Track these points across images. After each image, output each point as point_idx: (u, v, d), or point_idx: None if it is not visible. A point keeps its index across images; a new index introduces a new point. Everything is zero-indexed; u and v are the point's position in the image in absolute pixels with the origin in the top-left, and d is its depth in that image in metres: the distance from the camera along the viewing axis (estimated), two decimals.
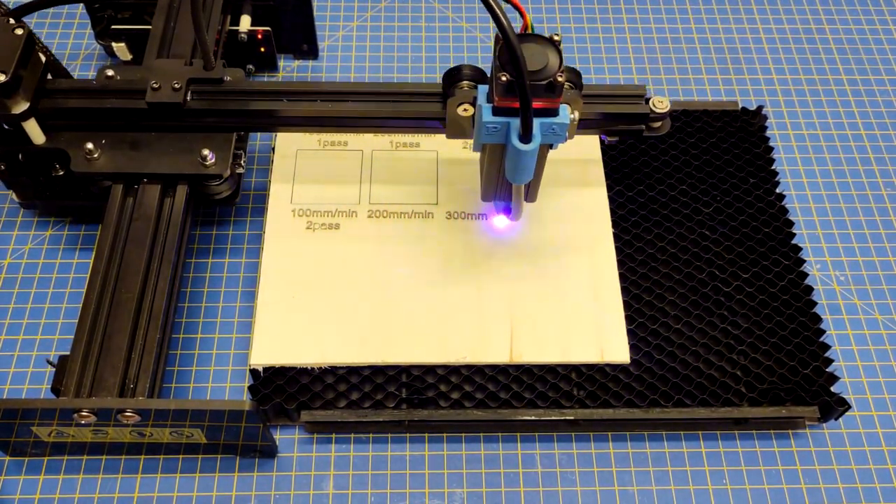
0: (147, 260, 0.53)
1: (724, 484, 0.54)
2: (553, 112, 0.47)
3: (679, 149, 0.65)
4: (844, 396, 0.55)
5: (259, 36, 0.68)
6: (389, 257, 0.58)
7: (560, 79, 0.45)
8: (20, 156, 0.57)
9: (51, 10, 0.75)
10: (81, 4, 0.65)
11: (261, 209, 0.63)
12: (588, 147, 0.64)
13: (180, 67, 0.56)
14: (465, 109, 0.52)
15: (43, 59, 0.55)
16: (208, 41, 0.54)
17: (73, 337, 0.51)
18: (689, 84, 0.73)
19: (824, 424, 0.56)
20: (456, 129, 0.54)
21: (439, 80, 0.54)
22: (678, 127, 0.66)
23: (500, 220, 0.60)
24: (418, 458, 0.54)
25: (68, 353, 0.50)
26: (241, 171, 0.58)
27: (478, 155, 0.60)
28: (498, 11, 0.43)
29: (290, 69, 0.72)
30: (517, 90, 0.44)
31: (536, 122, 0.46)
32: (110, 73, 0.56)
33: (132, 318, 0.51)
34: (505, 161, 0.49)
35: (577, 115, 0.50)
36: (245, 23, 0.67)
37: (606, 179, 0.62)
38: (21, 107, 0.52)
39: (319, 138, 0.63)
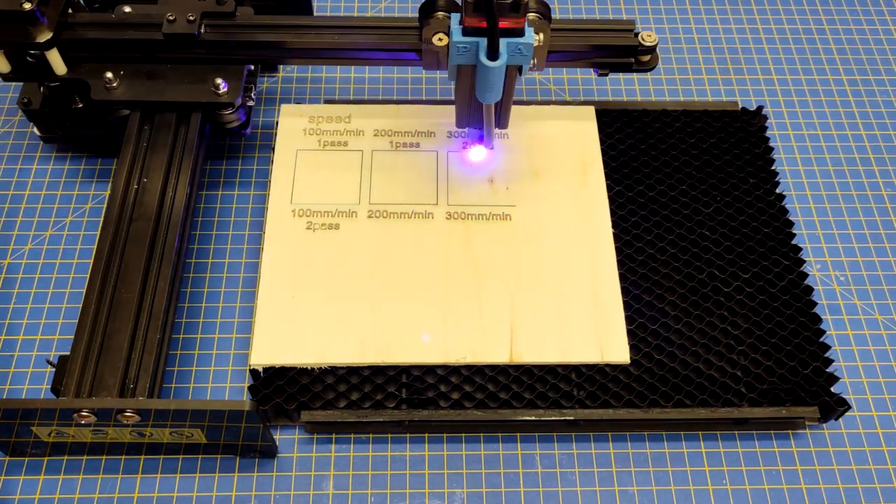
0: (147, 259, 0.53)
1: (724, 484, 0.54)
2: (519, 32, 0.50)
3: (679, 149, 0.65)
4: (844, 396, 0.55)
5: None
6: (389, 257, 0.58)
7: None
8: (42, 89, 0.60)
9: None
10: (81, 1, 0.65)
11: (260, 219, 0.63)
12: (588, 147, 0.64)
13: (194, 2, 0.58)
14: (439, 38, 0.54)
15: None
16: None
17: (73, 337, 0.51)
18: (689, 84, 0.73)
19: (824, 424, 0.56)
20: (431, 59, 0.56)
21: (435, 87, 0.55)
22: (678, 127, 0.66)
23: (477, 151, 0.62)
24: (418, 458, 0.54)
25: (68, 353, 0.50)
26: (250, 103, 0.62)
27: (473, 154, 0.61)
28: None
29: (290, 69, 0.72)
30: (484, 8, 0.47)
31: (503, 42, 0.49)
32: (127, 9, 0.59)
33: (132, 318, 0.51)
34: (476, 81, 0.52)
35: (542, 37, 0.53)
36: None
37: (606, 180, 0.62)
38: (45, 36, 0.55)
39: (319, 139, 0.63)
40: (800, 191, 0.67)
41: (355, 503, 0.53)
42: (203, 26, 0.57)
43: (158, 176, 0.57)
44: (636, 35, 0.57)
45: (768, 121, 0.68)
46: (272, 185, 0.61)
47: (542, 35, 0.53)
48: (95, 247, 0.54)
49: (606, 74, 0.60)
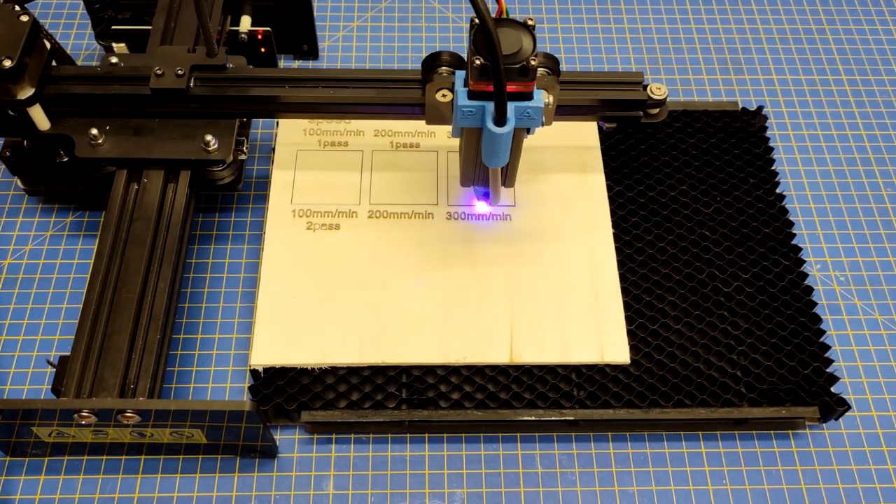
0: (147, 260, 0.53)
1: (724, 484, 0.54)
2: (527, 96, 0.48)
3: (679, 149, 0.65)
4: (844, 397, 0.55)
5: (259, 36, 0.68)
6: (389, 257, 0.58)
7: (533, 62, 0.46)
8: (25, 142, 0.58)
9: (51, 10, 0.75)
10: (81, 4, 0.65)
11: (260, 220, 0.63)
12: (588, 147, 0.64)
13: (184, 54, 0.56)
14: (443, 95, 0.52)
15: (48, 45, 0.55)
16: (211, 28, 0.55)
17: (73, 337, 0.51)
18: (689, 84, 0.73)
19: (824, 425, 0.56)
20: (435, 115, 0.54)
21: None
22: (678, 127, 0.66)
23: (481, 206, 0.61)
24: (418, 458, 0.54)
25: (68, 353, 0.50)
26: (243, 157, 0.59)
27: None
28: None
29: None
30: (491, 73, 0.45)
31: (511, 106, 0.47)
32: (114, 60, 0.57)
33: (132, 318, 0.51)
34: (481, 145, 0.50)
35: (552, 99, 0.51)
36: (245, 23, 0.67)
37: (606, 180, 0.62)
38: (26, 92, 0.53)
39: (320, 139, 0.63)
40: (800, 191, 0.67)
41: (355, 503, 0.53)
42: (192, 80, 0.55)
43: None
44: (645, 88, 0.56)
45: (768, 121, 0.68)
46: (272, 185, 0.61)
47: (552, 98, 0.51)
48: (95, 247, 0.54)
49: (614, 128, 0.60)
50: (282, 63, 0.73)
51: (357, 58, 0.73)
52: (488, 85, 0.46)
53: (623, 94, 0.56)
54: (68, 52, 0.72)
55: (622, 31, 0.76)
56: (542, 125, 0.50)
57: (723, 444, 0.55)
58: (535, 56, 0.46)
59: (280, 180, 0.61)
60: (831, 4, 0.79)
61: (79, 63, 0.72)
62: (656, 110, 0.57)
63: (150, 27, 0.62)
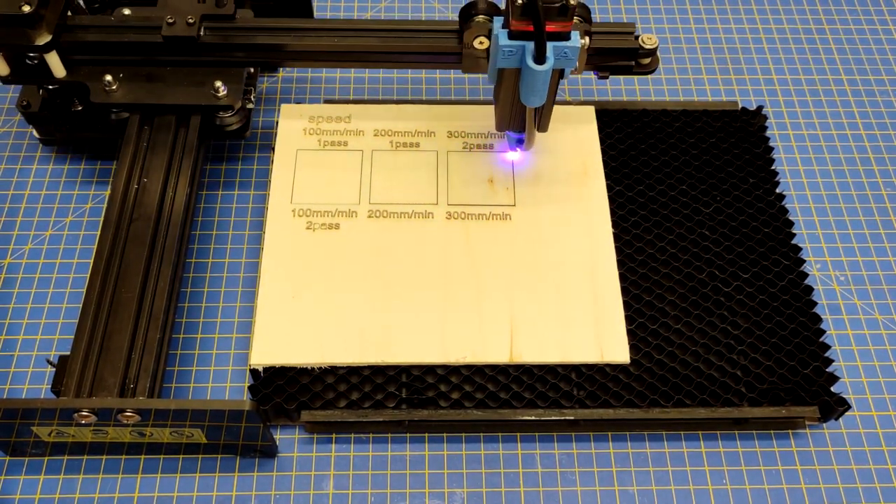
0: (147, 259, 0.53)
1: (724, 484, 0.54)
2: (565, 36, 0.50)
3: (679, 149, 0.65)
4: (844, 396, 0.55)
5: None
6: (389, 257, 0.58)
7: (572, 2, 0.49)
8: (42, 91, 0.60)
9: None
10: (81, 3, 0.65)
11: (260, 219, 0.63)
12: (588, 147, 0.64)
13: (194, 4, 0.58)
14: (480, 42, 0.54)
15: None
16: None
17: (73, 337, 0.51)
18: (689, 84, 0.73)
19: (824, 424, 0.56)
20: (471, 63, 0.56)
21: (435, 87, 0.55)
22: (678, 127, 0.66)
23: (513, 154, 0.63)
24: (418, 458, 0.54)
25: (68, 353, 0.50)
26: (250, 105, 0.61)
27: (473, 156, 0.62)
28: None
29: (290, 69, 0.72)
30: (531, 12, 0.48)
31: (549, 45, 0.50)
32: (127, 11, 0.59)
33: (132, 318, 0.51)
34: (520, 85, 0.52)
35: (587, 40, 0.54)
36: None
37: (606, 180, 0.62)
38: (44, 38, 0.54)
39: (319, 138, 0.63)
40: (800, 191, 0.67)
41: (355, 503, 0.53)
42: (202, 29, 0.57)
43: (158, 177, 0.57)
44: (636, 38, 0.57)
45: (768, 121, 0.68)
46: (272, 185, 0.61)
47: (587, 39, 0.54)
48: (95, 247, 0.54)
49: (606, 77, 0.60)
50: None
51: None
52: (528, 25, 0.49)
53: (615, 43, 0.57)
54: None
55: None
56: (576, 69, 0.52)
57: (723, 444, 0.55)
58: None
59: (280, 180, 0.61)
60: (831, 4, 0.79)
61: None
62: (648, 60, 0.58)
63: None
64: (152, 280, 0.53)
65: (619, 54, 0.58)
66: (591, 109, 0.66)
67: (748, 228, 0.61)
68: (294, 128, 0.64)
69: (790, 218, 0.62)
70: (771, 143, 0.66)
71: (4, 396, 0.56)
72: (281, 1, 0.67)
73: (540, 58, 0.50)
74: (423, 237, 0.59)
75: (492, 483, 0.53)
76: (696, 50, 0.75)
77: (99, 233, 0.55)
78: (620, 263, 0.59)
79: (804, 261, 0.60)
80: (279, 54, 0.59)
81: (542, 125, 0.58)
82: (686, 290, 0.58)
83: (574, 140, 0.64)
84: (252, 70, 0.63)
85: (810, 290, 0.58)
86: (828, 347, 0.56)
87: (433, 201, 0.61)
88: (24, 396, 0.56)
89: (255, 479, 0.53)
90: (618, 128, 0.66)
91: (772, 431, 0.56)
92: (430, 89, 0.71)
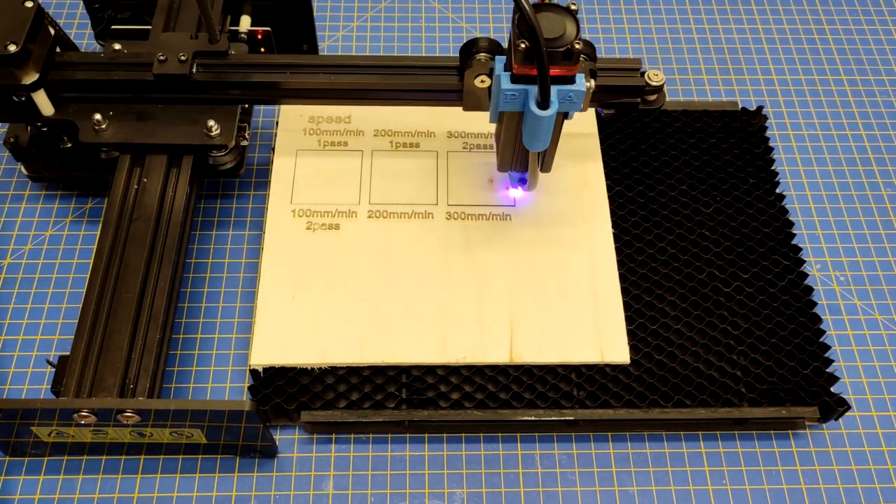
0: (147, 260, 0.53)
1: (724, 484, 0.54)
2: (570, 80, 0.49)
3: (679, 149, 0.65)
4: (844, 397, 0.55)
5: (259, 36, 0.68)
6: (389, 257, 0.58)
7: (577, 46, 0.47)
8: (30, 128, 0.59)
9: (51, 9, 0.75)
10: (81, 4, 0.65)
11: (260, 219, 0.63)
12: (588, 147, 0.64)
13: (186, 41, 0.57)
14: (482, 80, 0.53)
15: (52, 32, 0.56)
16: (212, 17, 0.55)
17: (73, 337, 0.51)
18: (689, 84, 0.73)
19: (824, 425, 0.56)
20: (472, 101, 0.55)
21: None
22: (678, 127, 0.66)
23: (516, 192, 0.61)
24: (418, 458, 0.54)
25: (68, 353, 0.50)
26: (244, 143, 0.60)
27: (473, 156, 0.62)
28: None
29: None
30: (535, 57, 0.46)
31: (554, 89, 0.48)
32: (117, 46, 0.57)
33: (132, 318, 0.51)
34: (522, 129, 0.50)
35: (592, 83, 0.52)
36: (245, 23, 0.67)
37: (606, 180, 0.62)
38: (31, 77, 0.53)
39: (319, 139, 0.63)
40: (800, 191, 0.67)
41: (355, 503, 0.53)
42: (195, 66, 0.56)
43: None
44: (643, 74, 0.56)
45: (768, 121, 0.68)
46: (272, 185, 0.61)
47: (592, 82, 0.52)
48: (95, 247, 0.54)
49: (612, 114, 0.60)
50: None
51: None
52: (532, 69, 0.47)
53: (620, 81, 0.56)
54: None
55: (622, 31, 0.76)
56: (582, 110, 0.51)
57: (723, 444, 0.55)
58: (579, 41, 0.47)
59: (280, 180, 0.61)
60: (831, 4, 0.79)
61: None
62: (654, 96, 0.57)
63: (149, 27, 0.62)
64: (152, 280, 0.53)
65: (625, 92, 0.57)
66: (591, 110, 0.66)
67: (748, 228, 0.61)
68: (294, 128, 0.64)
69: (790, 218, 0.62)
70: (771, 143, 0.66)
71: (4, 396, 0.56)
72: (281, 2, 0.67)
73: (544, 103, 0.48)
74: (423, 237, 0.59)
75: (492, 483, 0.53)
76: (696, 50, 0.75)
77: (99, 233, 0.55)
78: (620, 263, 0.59)
79: (804, 261, 0.60)
80: (274, 92, 0.57)
81: (546, 166, 0.56)
82: (686, 290, 0.58)
83: (574, 140, 0.64)
84: (247, 105, 0.61)
85: (810, 290, 0.58)
86: (828, 348, 0.56)
87: (433, 201, 0.61)
88: (23, 396, 0.56)
89: (255, 479, 0.53)
90: (618, 128, 0.66)
91: (772, 432, 0.56)
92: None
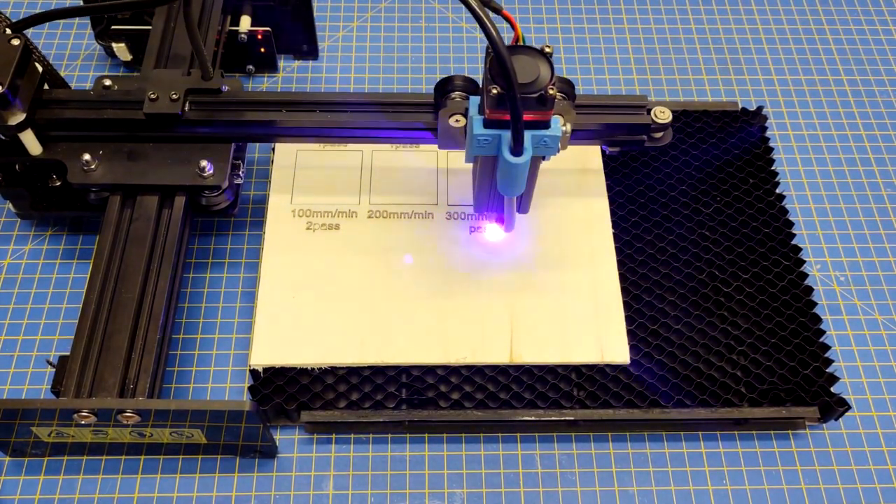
0: (147, 260, 0.53)
1: (724, 484, 0.54)
2: (545, 124, 0.47)
3: (679, 149, 0.65)
4: (844, 397, 0.55)
5: (259, 36, 0.68)
6: (389, 257, 0.58)
7: (551, 91, 0.45)
8: (17, 167, 0.56)
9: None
10: (81, 4, 0.65)
11: (260, 219, 0.63)
12: (587, 147, 0.64)
13: (178, 77, 0.55)
14: (456, 120, 0.52)
15: (40, 69, 0.54)
16: (205, 52, 0.54)
17: (73, 337, 0.51)
18: (689, 84, 0.73)
19: (824, 425, 0.56)
20: (448, 140, 0.53)
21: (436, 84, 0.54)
22: (678, 127, 0.66)
23: (494, 232, 0.59)
24: (418, 458, 0.54)
25: (68, 353, 0.50)
26: (239, 181, 0.58)
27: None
28: (487, 23, 0.42)
29: (290, 69, 0.72)
30: (508, 103, 0.44)
31: (528, 135, 0.46)
32: (107, 82, 0.55)
33: (132, 318, 0.51)
34: (497, 174, 0.49)
35: (569, 126, 0.50)
36: (245, 23, 0.67)
37: (606, 180, 0.62)
38: (17, 118, 0.52)
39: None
40: (800, 191, 0.67)
41: (355, 503, 0.53)
42: (187, 104, 0.54)
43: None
44: (649, 112, 0.55)
45: (768, 121, 0.68)
46: (272, 185, 0.61)
47: (569, 126, 0.50)
48: (96, 247, 0.54)
49: (617, 152, 0.59)
50: (281, 63, 0.73)
51: (357, 57, 0.73)
52: (504, 114, 0.45)
53: (626, 119, 0.55)
54: (68, 51, 0.73)
55: (622, 32, 0.76)
56: (559, 152, 0.49)
57: (723, 445, 0.55)
58: (554, 85, 0.45)
59: (280, 180, 0.61)
60: (831, 4, 0.79)
61: (78, 62, 0.72)
62: (660, 134, 0.56)
63: (149, 27, 0.62)
64: (152, 280, 0.53)
65: (630, 131, 0.55)
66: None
67: (748, 228, 0.61)
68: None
69: (790, 218, 0.62)
70: (771, 143, 0.66)
71: (4, 396, 0.56)
72: (281, 3, 0.67)
73: (517, 149, 0.46)
74: (423, 237, 0.59)
75: (492, 483, 0.53)
76: (696, 50, 0.75)
77: (97, 242, 0.55)
78: (620, 263, 0.59)
79: (804, 261, 0.60)
80: (269, 131, 0.56)
81: (524, 207, 0.54)
82: (686, 290, 0.58)
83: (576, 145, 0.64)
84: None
85: (810, 290, 0.58)
86: (828, 348, 0.56)
87: (433, 201, 0.61)
88: (24, 396, 0.56)
89: (255, 479, 0.53)
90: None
91: (772, 432, 0.56)
92: (430, 89, 0.71)
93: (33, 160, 0.55)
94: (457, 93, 0.52)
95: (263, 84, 0.71)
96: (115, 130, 0.55)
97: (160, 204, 0.55)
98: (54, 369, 0.50)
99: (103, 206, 0.55)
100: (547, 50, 0.47)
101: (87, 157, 0.54)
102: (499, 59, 0.42)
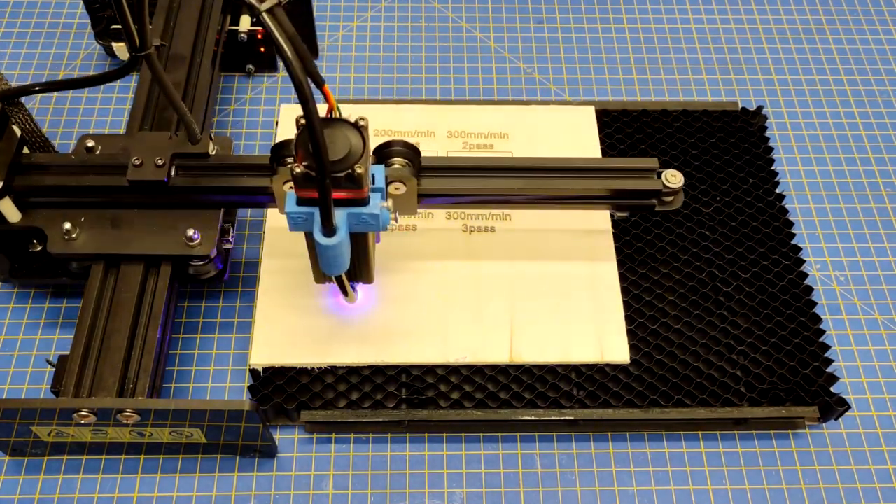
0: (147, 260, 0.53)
1: (724, 484, 0.54)
2: (361, 202, 0.44)
3: (679, 149, 0.65)
4: (844, 396, 0.55)
5: (259, 36, 0.68)
6: (389, 257, 0.58)
7: (360, 170, 0.42)
8: None
9: (51, 9, 0.75)
10: (81, 4, 0.65)
11: (260, 219, 0.63)
12: (588, 147, 0.64)
13: (164, 141, 0.52)
14: (290, 186, 0.46)
15: (18, 132, 0.52)
16: (190, 116, 0.51)
17: (72, 337, 0.51)
18: (689, 84, 0.73)
19: (824, 424, 0.56)
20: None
21: (435, 87, 0.52)
22: (678, 127, 0.66)
23: (345, 300, 0.55)
24: (418, 458, 0.54)
25: (68, 353, 0.50)
26: (228, 246, 0.55)
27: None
28: (308, 97, 0.39)
29: None
30: (313, 184, 0.40)
31: (343, 213, 0.43)
32: (90, 143, 0.53)
33: (131, 317, 0.51)
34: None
35: (390, 202, 0.47)
36: (245, 23, 0.67)
37: None
38: None
39: None
40: (800, 191, 0.67)
41: (355, 503, 0.53)
42: (173, 170, 0.51)
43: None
44: (659, 176, 0.53)
45: (768, 121, 0.68)
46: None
47: (390, 201, 0.46)
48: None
49: (626, 218, 0.58)
50: (281, 63, 0.72)
51: (357, 57, 0.73)
52: (314, 191, 0.41)
53: (636, 184, 0.53)
54: (68, 51, 0.73)
55: (622, 31, 0.76)
56: (393, 222, 0.45)
57: (723, 444, 0.55)
58: (363, 162, 0.42)
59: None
60: (831, 4, 0.79)
61: (78, 62, 0.72)
62: (671, 198, 0.54)
63: (149, 27, 0.62)
64: (152, 280, 0.53)
65: (641, 196, 0.54)
66: (590, 109, 0.66)
67: (748, 228, 0.61)
68: (294, 127, 0.64)
69: (790, 218, 0.62)
70: (771, 143, 0.66)
71: (4, 396, 0.56)
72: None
73: (328, 231, 0.42)
74: (423, 237, 0.59)
75: (492, 483, 0.53)
76: (696, 50, 0.75)
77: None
78: (620, 263, 0.59)
79: (804, 261, 0.60)
80: (259, 199, 0.53)
81: (366, 277, 0.51)
82: (686, 290, 0.58)
83: (574, 140, 0.64)
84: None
85: (810, 290, 0.58)
86: (828, 347, 0.56)
87: None
88: (23, 396, 0.56)
89: (255, 479, 0.53)
90: (618, 128, 0.66)
91: (772, 431, 0.55)
92: (430, 89, 0.71)
93: (12, 228, 0.52)
94: (290, 158, 0.46)
95: (263, 83, 0.71)
96: (97, 196, 0.52)
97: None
98: (54, 369, 0.50)
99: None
100: (361, 123, 0.44)
101: (67, 225, 0.51)
102: (311, 135, 0.39)
